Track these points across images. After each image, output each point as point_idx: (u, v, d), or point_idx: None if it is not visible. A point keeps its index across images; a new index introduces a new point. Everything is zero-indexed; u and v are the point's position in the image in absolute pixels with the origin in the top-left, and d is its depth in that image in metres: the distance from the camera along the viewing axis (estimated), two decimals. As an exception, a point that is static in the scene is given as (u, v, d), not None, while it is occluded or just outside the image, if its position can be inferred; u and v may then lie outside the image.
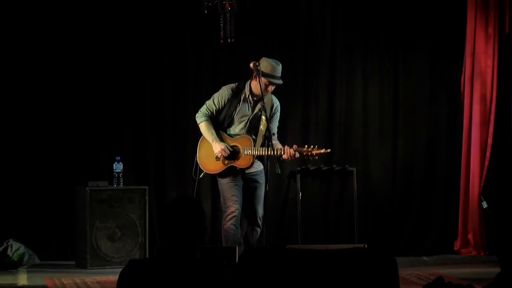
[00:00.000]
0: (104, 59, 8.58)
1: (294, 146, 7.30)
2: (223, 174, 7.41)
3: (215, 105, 7.41)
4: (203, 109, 7.45)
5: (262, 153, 7.26)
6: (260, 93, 7.26)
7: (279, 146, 7.35)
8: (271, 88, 7.33)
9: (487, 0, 9.10)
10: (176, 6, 8.71)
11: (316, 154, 7.34)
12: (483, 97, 9.13)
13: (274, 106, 7.48)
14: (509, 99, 9.26)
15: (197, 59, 8.83)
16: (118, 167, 8.17)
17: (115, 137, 8.67)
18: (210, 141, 7.37)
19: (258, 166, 7.44)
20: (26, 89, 8.44)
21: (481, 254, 9.07)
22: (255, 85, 7.32)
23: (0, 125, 8.40)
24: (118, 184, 8.17)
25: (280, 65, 7.37)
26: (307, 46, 9.08)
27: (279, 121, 7.60)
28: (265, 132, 7.24)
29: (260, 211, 7.40)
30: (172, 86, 8.78)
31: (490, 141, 9.11)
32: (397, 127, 9.22)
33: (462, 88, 9.20)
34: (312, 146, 7.38)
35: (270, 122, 7.36)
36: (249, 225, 7.41)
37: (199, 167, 7.46)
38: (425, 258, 8.93)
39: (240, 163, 7.37)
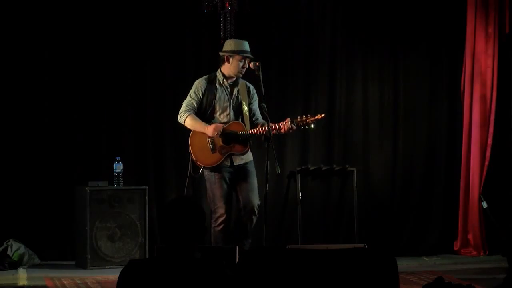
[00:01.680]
0: (104, 59, 8.58)
1: (288, 119, 7.21)
2: (216, 167, 7.31)
3: (193, 99, 7.34)
4: (182, 108, 7.38)
5: (258, 131, 7.20)
6: (235, 74, 7.28)
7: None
8: (246, 64, 7.29)
9: (487, 0, 9.11)
10: (176, 6, 8.71)
11: (311, 121, 7.26)
12: (483, 97, 9.13)
13: (251, 89, 7.44)
14: (509, 99, 9.27)
15: (197, 59, 8.83)
16: (118, 167, 8.17)
17: (115, 137, 8.67)
18: (201, 129, 7.26)
19: (248, 157, 7.37)
20: (26, 89, 8.44)
21: (481, 254, 9.08)
22: (227, 69, 7.34)
23: (0, 125, 8.40)
24: (118, 184, 8.17)
25: (246, 42, 7.38)
26: (307, 46, 9.08)
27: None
28: (266, 133, 7.20)
29: (255, 200, 7.31)
30: (172, 86, 8.78)
31: (490, 141, 9.11)
32: (397, 127, 9.22)
33: (462, 88, 9.20)
34: (305, 116, 7.31)
35: (252, 105, 7.37)
36: (246, 214, 7.32)
37: (196, 163, 7.34)
38: (425, 258, 8.93)
39: (237, 149, 7.30)
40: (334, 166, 8.90)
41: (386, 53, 9.23)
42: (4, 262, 7.99)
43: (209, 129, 7.25)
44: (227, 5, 7.56)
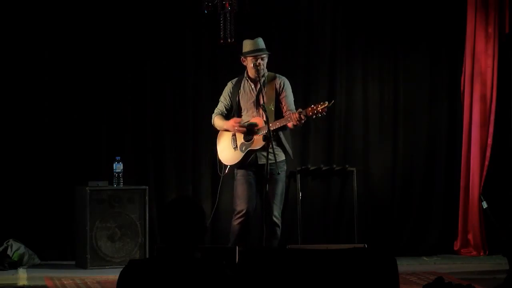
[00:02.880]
0: (104, 59, 8.58)
1: (299, 110, 7.18)
2: (240, 165, 7.34)
3: (222, 102, 7.53)
4: (214, 112, 7.57)
5: (273, 127, 7.14)
6: (253, 74, 7.28)
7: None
8: (260, 62, 7.27)
9: (487, 0, 9.11)
10: (176, 6, 8.71)
11: (322, 110, 7.13)
12: (483, 97, 9.13)
13: (279, 82, 7.41)
14: (509, 99, 9.27)
15: (197, 59, 8.83)
16: (118, 167, 8.17)
17: (115, 137, 8.66)
18: (224, 126, 7.41)
19: (279, 157, 7.25)
20: (26, 89, 8.44)
21: (481, 254, 9.08)
22: (248, 70, 7.38)
23: (0, 125, 8.40)
24: (118, 184, 8.17)
25: (260, 38, 7.40)
26: (307, 46, 9.08)
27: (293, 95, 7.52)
28: (265, 132, 7.16)
29: (276, 209, 7.25)
30: (172, 86, 8.78)
31: (490, 141, 9.11)
32: (397, 127, 9.22)
33: (462, 88, 9.20)
34: (315, 105, 7.19)
35: (282, 96, 7.34)
36: (267, 226, 7.22)
37: (222, 163, 7.44)
38: (425, 258, 8.93)
39: (256, 144, 7.28)
40: (334, 166, 8.90)
41: (386, 53, 9.23)
42: (4, 262, 7.99)
43: (229, 124, 7.38)
44: (227, 5, 7.56)
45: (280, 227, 7.36)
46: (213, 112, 7.60)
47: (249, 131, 7.33)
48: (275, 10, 8.93)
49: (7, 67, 8.41)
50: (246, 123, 7.34)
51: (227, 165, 7.43)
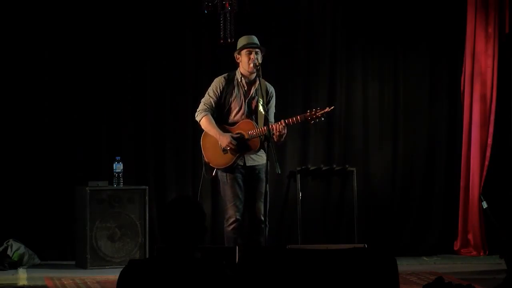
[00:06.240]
0: (104, 59, 8.58)
1: (281, 121, 7.09)
2: (229, 168, 7.23)
3: (211, 97, 7.28)
4: (200, 106, 7.32)
5: (263, 131, 7.07)
6: (248, 70, 7.15)
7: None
8: (253, 56, 7.14)
9: (487, 0, 9.11)
10: (176, 6, 8.72)
11: (321, 115, 7.09)
12: (483, 97, 9.13)
13: (269, 91, 7.31)
14: (509, 99, 9.27)
15: (197, 59, 8.84)
16: (118, 167, 8.17)
17: (115, 137, 8.67)
18: (215, 135, 7.20)
19: (261, 160, 7.26)
20: (26, 89, 8.44)
21: (481, 254, 9.08)
22: (241, 68, 7.23)
23: (0, 125, 8.40)
24: (118, 184, 8.17)
25: (253, 36, 7.26)
26: (307, 46, 9.08)
27: (275, 108, 7.40)
28: (265, 132, 7.13)
29: (262, 208, 7.19)
30: (172, 86, 8.79)
31: (490, 141, 9.12)
32: (397, 127, 9.22)
33: (462, 88, 9.20)
34: (315, 109, 7.14)
35: (267, 106, 7.23)
36: (252, 224, 7.24)
37: (209, 165, 7.28)
38: (425, 258, 8.93)
39: (248, 149, 7.19)
40: (334, 166, 8.90)
41: (386, 53, 9.23)
42: (4, 262, 7.99)
43: (223, 141, 7.16)
44: (227, 5, 7.56)
45: (267, 225, 7.27)
46: (198, 109, 7.31)
47: (239, 143, 7.23)
48: (275, 10, 8.94)
49: (7, 67, 8.42)
50: (234, 142, 7.19)
51: (214, 168, 7.30)
